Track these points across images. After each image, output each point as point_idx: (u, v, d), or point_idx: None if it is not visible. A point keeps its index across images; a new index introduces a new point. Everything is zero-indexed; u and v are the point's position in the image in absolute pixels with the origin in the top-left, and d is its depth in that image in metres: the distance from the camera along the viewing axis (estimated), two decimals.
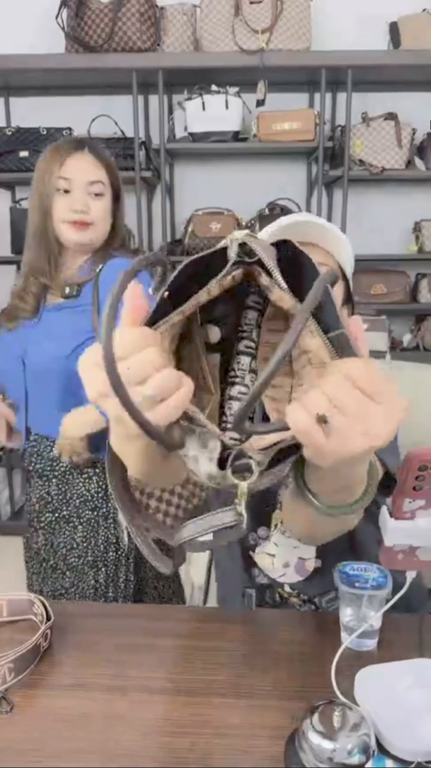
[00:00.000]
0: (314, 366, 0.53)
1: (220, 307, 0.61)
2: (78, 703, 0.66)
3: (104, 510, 1.31)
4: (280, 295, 0.52)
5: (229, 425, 0.57)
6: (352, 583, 0.75)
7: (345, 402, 0.44)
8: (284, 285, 0.52)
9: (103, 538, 1.31)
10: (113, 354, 0.40)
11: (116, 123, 2.66)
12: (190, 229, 2.66)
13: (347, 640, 0.73)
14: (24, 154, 2.60)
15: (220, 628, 0.80)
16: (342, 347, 0.50)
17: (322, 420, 0.44)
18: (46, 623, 0.76)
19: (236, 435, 0.51)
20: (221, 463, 0.49)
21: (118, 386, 0.40)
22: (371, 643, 0.76)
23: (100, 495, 1.31)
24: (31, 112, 2.77)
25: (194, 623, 0.82)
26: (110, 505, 1.31)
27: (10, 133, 2.62)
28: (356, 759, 0.54)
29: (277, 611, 0.93)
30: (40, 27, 2.63)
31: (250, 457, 0.49)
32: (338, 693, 0.64)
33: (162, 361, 0.44)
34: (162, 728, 0.62)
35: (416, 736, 0.58)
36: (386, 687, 0.64)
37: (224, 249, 0.53)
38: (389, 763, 0.57)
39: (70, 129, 2.63)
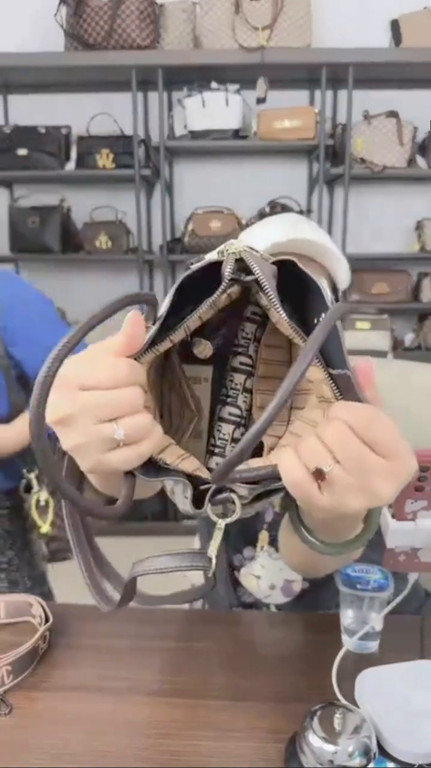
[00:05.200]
0: (317, 397, 0.49)
1: (214, 316, 0.53)
2: (77, 704, 0.66)
3: None
4: (279, 318, 0.47)
5: (217, 450, 0.55)
6: (354, 585, 0.74)
7: (346, 455, 0.40)
8: (283, 314, 0.46)
9: None
10: (43, 418, 0.38)
11: (115, 121, 2.66)
12: (190, 228, 2.65)
13: (348, 642, 0.73)
14: (22, 152, 2.60)
15: (219, 629, 0.80)
16: (346, 387, 0.45)
17: (319, 473, 0.40)
18: (44, 625, 0.75)
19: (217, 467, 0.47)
20: (203, 494, 0.47)
21: (44, 457, 0.39)
22: (372, 645, 0.75)
23: None
24: (29, 111, 2.76)
25: (194, 625, 0.82)
26: None
27: (8, 131, 2.61)
28: (357, 761, 0.54)
29: (277, 613, 0.93)
30: (38, 25, 2.63)
31: (232, 491, 0.46)
32: (339, 695, 0.64)
33: (141, 403, 0.42)
34: (161, 730, 0.62)
35: (417, 739, 0.57)
36: (387, 689, 0.64)
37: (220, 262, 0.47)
38: (390, 765, 0.57)
39: (69, 127, 2.63)
